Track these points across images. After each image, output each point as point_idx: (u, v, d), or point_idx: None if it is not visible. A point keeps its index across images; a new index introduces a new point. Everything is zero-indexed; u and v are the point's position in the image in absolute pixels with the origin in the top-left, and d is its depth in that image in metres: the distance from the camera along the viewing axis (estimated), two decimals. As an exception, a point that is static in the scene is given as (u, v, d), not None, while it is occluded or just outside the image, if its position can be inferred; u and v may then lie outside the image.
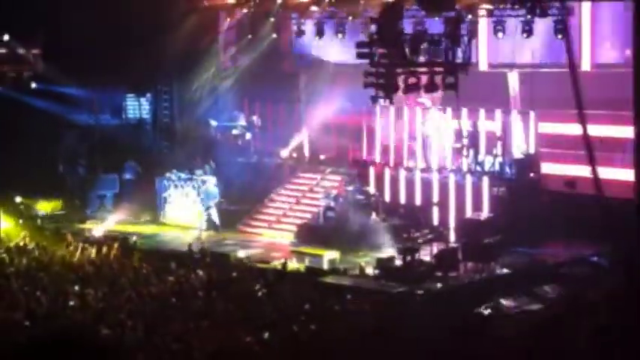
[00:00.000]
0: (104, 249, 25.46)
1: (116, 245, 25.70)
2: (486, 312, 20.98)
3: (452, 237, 27.07)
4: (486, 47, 30.75)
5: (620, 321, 18.13)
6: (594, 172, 22.61)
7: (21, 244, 26.39)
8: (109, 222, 29.78)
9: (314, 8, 31.31)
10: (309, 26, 32.11)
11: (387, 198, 29.01)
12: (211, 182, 29.71)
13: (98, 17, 29.27)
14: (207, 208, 29.41)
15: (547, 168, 27.96)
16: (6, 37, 31.54)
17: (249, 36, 33.27)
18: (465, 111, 28.69)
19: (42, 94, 32.20)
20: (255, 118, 33.21)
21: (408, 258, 24.52)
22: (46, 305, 20.37)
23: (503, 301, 21.89)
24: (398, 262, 24.52)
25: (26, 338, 10.30)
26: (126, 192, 31.73)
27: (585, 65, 29.09)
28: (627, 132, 24.33)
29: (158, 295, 21.39)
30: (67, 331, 9.20)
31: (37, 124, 30.70)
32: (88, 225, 29.71)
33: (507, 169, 27.88)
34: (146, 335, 18.26)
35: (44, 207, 30.77)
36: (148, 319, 19.26)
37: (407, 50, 25.12)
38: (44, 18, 30.00)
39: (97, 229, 28.92)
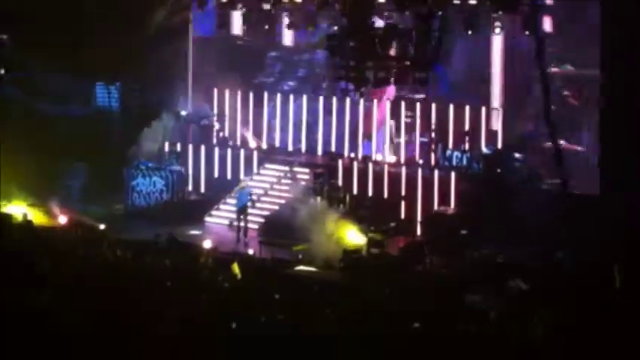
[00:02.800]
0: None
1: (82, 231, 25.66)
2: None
3: (418, 231, 27.21)
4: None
5: (585, 316, 18.27)
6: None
7: None
8: (77, 211, 29.56)
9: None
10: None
11: (355, 191, 29.09)
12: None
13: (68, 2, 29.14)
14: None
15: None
16: None
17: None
18: (433, 105, 28.84)
19: (8, 80, 31.91)
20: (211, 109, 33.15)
21: (375, 251, 24.64)
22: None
23: (469, 296, 21.99)
24: (364, 255, 24.62)
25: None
26: (93, 182, 31.51)
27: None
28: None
29: (124, 282, 21.29)
30: None
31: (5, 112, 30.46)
32: (53, 215, 29.46)
33: (475, 165, 28.02)
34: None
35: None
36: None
37: (377, 44, 25.23)
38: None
39: (62, 217, 28.73)
